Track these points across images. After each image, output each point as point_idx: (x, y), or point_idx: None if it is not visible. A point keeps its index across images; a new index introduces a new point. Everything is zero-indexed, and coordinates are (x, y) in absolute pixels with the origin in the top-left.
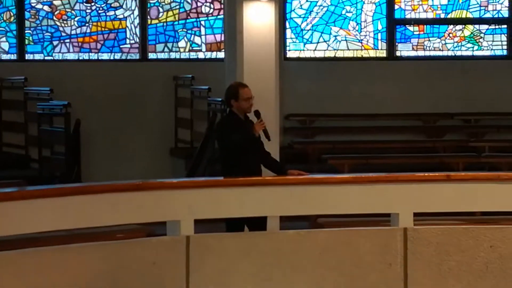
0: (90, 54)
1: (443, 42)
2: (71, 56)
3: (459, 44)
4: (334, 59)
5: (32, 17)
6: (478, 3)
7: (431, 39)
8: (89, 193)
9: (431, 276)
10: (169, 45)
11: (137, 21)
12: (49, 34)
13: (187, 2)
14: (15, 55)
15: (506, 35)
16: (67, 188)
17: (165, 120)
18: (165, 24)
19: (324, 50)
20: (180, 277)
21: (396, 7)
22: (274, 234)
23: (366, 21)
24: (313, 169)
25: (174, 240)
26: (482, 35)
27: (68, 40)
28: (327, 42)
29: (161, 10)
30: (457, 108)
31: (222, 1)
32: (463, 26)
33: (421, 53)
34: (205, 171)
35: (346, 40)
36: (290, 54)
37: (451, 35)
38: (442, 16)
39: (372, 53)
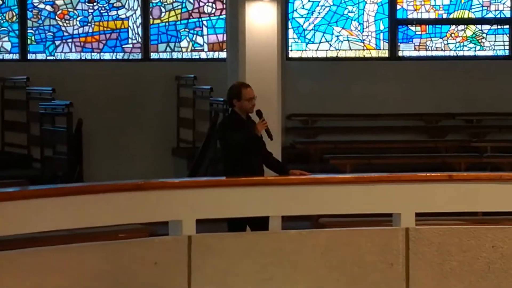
0: (92, 54)
1: (445, 42)
2: (73, 56)
3: (461, 44)
4: (336, 59)
5: (35, 16)
6: (480, 3)
7: (433, 39)
8: (91, 193)
9: (433, 276)
10: (171, 45)
11: (139, 21)
12: (51, 34)
13: (189, 2)
14: (17, 54)
15: (508, 35)
16: (69, 188)
17: (167, 120)
18: (167, 24)
19: (326, 50)
20: (182, 277)
21: (398, 7)
22: (276, 234)
23: (368, 21)
24: (315, 169)
25: (176, 240)
26: (484, 35)
27: (70, 40)
28: (329, 42)
29: (163, 10)
30: (459, 108)
31: (224, 1)
32: (465, 26)
33: (423, 53)
34: (207, 171)
35: (348, 40)
36: (292, 54)
37: (453, 35)
38: (444, 16)
39: (374, 53)
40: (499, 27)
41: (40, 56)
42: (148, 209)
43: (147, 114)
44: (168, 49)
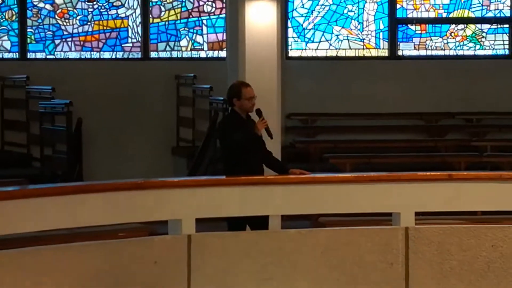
0: (92, 53)
1: (445, 41)
2: (73, 55)
3: (461, 43)
4: (336, 58)
5: (34, 15)
6: (480, 3)
7: (433, 38)
8: (91, 192)
9: (433, 276)
10: (171, 44)
11: (139, 20)
12: (51, 33)
13: (189, 1)
14: (17, 53)
15: (508, 34)
16: (68, 187)
17: (167, 119)
18: (167, 23)
19: (326, 49)
20: (182, 276)
21: (398, 6)
22: (276, 233)
23: (368, 20)
24: (314, 168)
25: (176, 239)
26: (484, 34)
27: (70, 39)
28: (329, 41)
29: (163, 9)
30: (459, 107)
31: (224, 0)
32: (465, 25)
33: (423, 52)
34: (207, 170)
35: (348, 39)
36: (292, 53)
37: (453, 34)
38: (444, 15)
39: (374, 53)
40: (499, 26)
41: (39, 55)
42: (147, 208)
43: (147, 113)
44: (167, 48)
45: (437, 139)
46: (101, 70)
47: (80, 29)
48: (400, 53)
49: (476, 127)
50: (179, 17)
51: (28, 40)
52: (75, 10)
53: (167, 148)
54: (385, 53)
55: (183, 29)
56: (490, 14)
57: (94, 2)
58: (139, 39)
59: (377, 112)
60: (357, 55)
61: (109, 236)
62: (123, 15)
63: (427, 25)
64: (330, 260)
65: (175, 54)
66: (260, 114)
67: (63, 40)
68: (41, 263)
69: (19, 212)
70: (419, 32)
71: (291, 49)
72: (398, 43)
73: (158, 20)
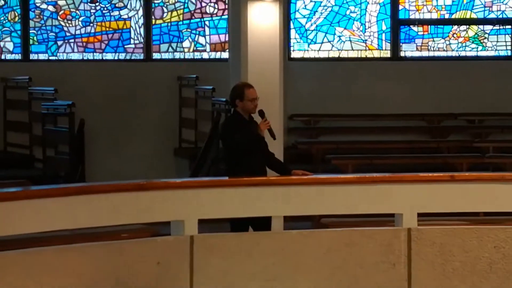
0: (95, 54)
1: (447, 42)
2: (75, 56)
3: (463, 44)
4: (338, 60)
5: (37, 17)
6: (482, 4)
7: (435, 39)
8: (93, 193)
9: (435, 277)
10: (174, 45)
11: (141, 21)
12: (54, 34)
13: (192, 2)
14: (20, 55)
15: (510, 35)
16: (71, 188)
17: (169, 120)
18: (169, 24)
19: (328, 51)
20: (184, 277)
21: (401, 7)
22: (278, 234)
23: (370, 22)
24: (317, 169)
25: (178, 240)
26: (486, 35)
27: (72, 40)
28: (331, 43)
29: (165, 10)
30: (461, 108)
31: (227, 2)
32: (467, 26)
33: (425, 53)
34: (209, 171)
35: (350, 40)
36: (294, 55)
37: (455, 35)
38: (447, 16)
39: (376, 54)
40: (501, 27)
41: (42, 56)
42: (150, 209)
43: (149, 114)
44: (170, 49)
45: (439, 140)
46: (103, 71)
47: (82, 30)
48: (402, 54)
49: (478, 128)
50: (181, 18)
51: (31, 41)
52: (77, 12)
53: (170, 149)
54: (387, 54)
55: (185, 30)
56: (492, 15)
57: (97, 4)
58: (142, 40)
59: (380, 113)
60: (359, 56)
61: (112, 237)
62: (125, 17)
63: (429, 26)
64: (333, 261)
65: (177, 55)
66: (262, 115)
67: (66, 41)
68: (44, 264)
69: (22, 213)
70: (422, 33)
71: (293, 50)
72: (401, 44)
73: (161, 21)
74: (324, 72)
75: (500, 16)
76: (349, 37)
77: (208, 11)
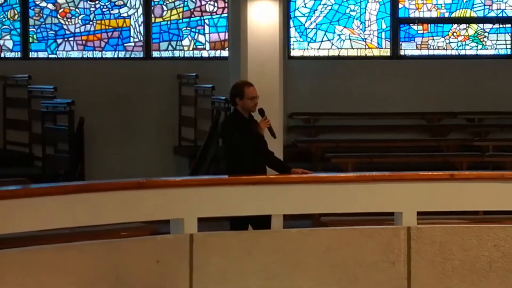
0: (94, 52)
1: (447, 41)
2: (75, 54)
3: (463, 43)
4: (338, 58)
5: (36, 15)
6: (482, 2)
7: (435, 38)
8: (93, 191)
9: (435, 275)
10: (173, 43)
11: (141, 19)
12: (53, 32)
13: (191, 0)
14: (19, 53)
15: (510, 34)
16: (70, 186)
17: (169, 119)
18: (169, 22)
19: (328, 49)
20: (184, 275)
21: (400, 6)
22: (277, 233)
23: (370, 20)
24: (316, 168)
25: (178, 239)
26: (486, 34)
27: (72, 38)
28: (331, 41)
29: (165, 8)
30: (461, 107)
31: (226, 0)
32: (467, 25)
33: (425, 52)
34: (209, 169)
35: (350, 39)
36: (294, 53)
37: (455, 34)
38: (446, 15)
39: (376, 52)
40: (501, 26)
41: (42, 55)
42: (149, 208)
43: (149, 112)
44: (170, 47)
45: (439, 139)
46: (103, 70)
47: (82, 29)
48: (402, 52)
49: (478, 126)
50: (181, 17)
51: (30, 40)
52: (77, 10)
53: (169, 148)
54: (387, 52)
55: (185, 28)
56: (492, 14)
57: (96, 2)
58: (141, 39)
59: (379, 111)
60: (359, 54)
61: (111, 235)
62: (125, 15)
63: (429, 24)
64: (332, 260)
65: (177, 53)
66: (262, 113)
67: (65, 39)
68: (43, 262)
69: (21, 211)
70: (421, 31)
71: (293, 49)
72: (400, 42)
73: (160, 19)
74: (324, 71)
75: (500, 15)
76: (349, 36)
77: (207, 10)
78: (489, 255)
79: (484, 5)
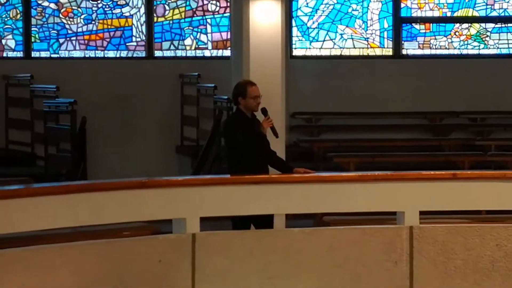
0: (96, 51)
1: (449, 40)
2: (77, 53)
3: (465, 42)
4: (340, 57)
5: (39, 14)
6: (484, 2)
7: (437, 37)
8: (95, 191)
9: (437, 275)
10: (175, 43)
11: (143, 18)
12: (55, 32)
13: (193, 0)
14: (22, 52)
15: None
16: (73, 186)
17: (171, 118)
18: (171, 22)
19: (330, 48)
20: (186, 274)
21: (402, 5)
22: (280, 232)
23: (372, 19)
24: (318, 167)
25: (180, 238)
26: (488, 33)
27: (74, 38)
28: (333, 40)
29: (167, 8)
30: (463, 106)
31: None
32: (470, 24)
33: (427, 51)
34: (211, 169)
35: (352, 38)
36: (296, 52)
37: (457, 33)
38: (449, 14)
39: (378, 51)
40: (503, 25)
41: (44, 54)
42: (152, 207)
43: (151, 112)
44: (172, 47)
45: (441, 138)
46: (105, 69)
47: (84, 28)
48: (404, 52)
49: (480, 126)
50: (183, 16)
51: (33, 39)
52: (79, 9)
53: (171, 147)
54: (389, 52)
55: (187, 28)
56: (494, 13)
57: (99, 1)
58: (144, 38)
59: (381, 111)
60: (361, 54)
61: (113, 234)
62: (127, 14)
63: (431, 24)
64: (335, 259)
65: (179, 53)
66: (265, 113)
67: (68, 39)
68: (45, 262)
69: (23, 210)
70: (424, 31)
71: (295, 48)
72: (403, 42)
73: (163, 19)
74: (326, 70)
75: (502, 14)
76: (351, 35)
77: (210, 9)
78: (492, 255)
79: (486, 4)
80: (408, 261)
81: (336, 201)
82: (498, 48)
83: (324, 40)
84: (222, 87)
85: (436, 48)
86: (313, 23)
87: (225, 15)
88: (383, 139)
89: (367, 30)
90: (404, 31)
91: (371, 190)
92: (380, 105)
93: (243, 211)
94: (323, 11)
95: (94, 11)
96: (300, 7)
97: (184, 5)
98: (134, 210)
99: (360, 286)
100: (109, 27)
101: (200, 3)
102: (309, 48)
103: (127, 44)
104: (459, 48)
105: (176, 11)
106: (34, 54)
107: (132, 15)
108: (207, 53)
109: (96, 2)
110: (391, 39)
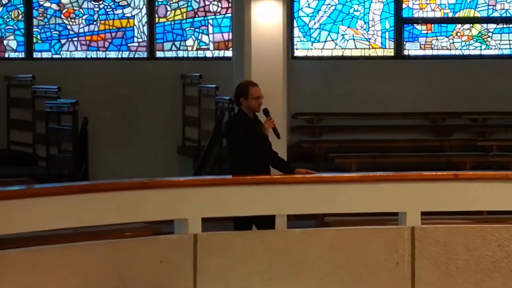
0: (98, 52)
1: (451, 41)
2: (79, 54)
3: (467, 43)
4: (342, 58)
5: (40, 15)
6: (486, 2)
7: (438, 38)
8: (97, 191)
9: (439, 275)
10: (177, 43)
11: (145, 19)
12: (57, 33)
13: (195, 0)
14: (23, 53)
15: None
16: (74, 186)
17: (172, 119)
18: (173, 22)
19: (332, 49)
20: (187, 275)
21: (404, 6)
22: (281, 233)
23: (374, 20)
24: (320, 168)
25: (182, 239)
26: (490, 34)
27: (76, 39)
28: (335, 41)
29: (169, 8)
30: (465, 107)
31: (230, 0)
32: (471, 25)
33: (428, 52)
34: (213, 169)
35: (353, 39)
36: (297, 53)
37: (459, 34)
38: (450, 15)
39: (379, 52)
40: (505, 26)
41: (45, 55)
42: (153, 208)
43: (153, 112)
44: (173, 47)
45: (443, 139)
46: (107, 70)
47: (86, 29)
48: (406, 52)
49: (482, 126)
50: (185, 17)
51: (34, 40)
52: (81, 10)
53: (173, 148)
54: (391, 52)
55: (189, 28)
56: (496, 14)
57: (100, 2)
58: (145, 39)
59: (383, 111)
60: (363, 54)
61: (115, 235)
62: (129, 15)
63: (433, 24)
64: (336, 260)
65: (181, 53)
66: (267, 113)
67: (69, 39)
68: (47, 263)
69: (25, 211)
70: (425, 31)
71: (297, 49)
72: (404, 42)
73: (164, 19)
74: (328, 71)
75: (504, 15)
76: (353, 36)
77: (211, 10)
78: (493, 255)
79: (488, 5)
80: (410, 261)
81: (338, 202)
82: (499, 48)
83: (325, 41)
84: (223, 87)
85: (437, 49)
86: (315, 23)
87: (226, 15)
88: (384, 140)
89: (368, 30)
90: (405, 31)
91: (372, 191)
92: (382, 106)
93: (244, 211)
94: (325, 11)
95: (95, 12)
96: (302, 8)
97: (185, 5)
98: (135, 211)
99: (361, 287)
100: (110, 27)
101: (202, 4)
102: (311, 48)
103: (128, 44)
104: (460, 49)
105: (178, 11)
106: (36, 54)
107: (133, 16)
108: (208, 54)
109: (97, 3)
110: (392, 40)
